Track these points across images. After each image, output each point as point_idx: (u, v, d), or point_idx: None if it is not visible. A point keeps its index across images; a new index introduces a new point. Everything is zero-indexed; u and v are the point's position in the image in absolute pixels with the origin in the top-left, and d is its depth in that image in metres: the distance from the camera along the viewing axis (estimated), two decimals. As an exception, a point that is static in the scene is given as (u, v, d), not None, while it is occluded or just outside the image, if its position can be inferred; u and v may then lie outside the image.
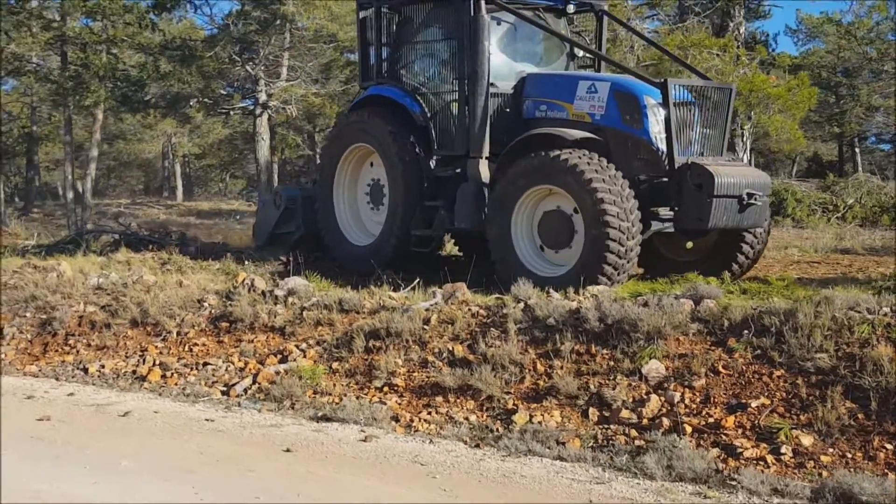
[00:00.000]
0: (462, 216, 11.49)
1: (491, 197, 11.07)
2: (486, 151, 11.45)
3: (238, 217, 27.89)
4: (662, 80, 10.73)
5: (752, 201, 10.31)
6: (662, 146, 10.55)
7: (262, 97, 27.50)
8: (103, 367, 9.96)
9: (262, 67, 27.53)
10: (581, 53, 13.02)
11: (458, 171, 11.76)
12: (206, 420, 7.78)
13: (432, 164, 12.15)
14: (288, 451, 6.87)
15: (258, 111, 27.67)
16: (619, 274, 9.96)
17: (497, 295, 10.09)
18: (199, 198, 54.24)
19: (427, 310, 9.42)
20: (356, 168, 13.14)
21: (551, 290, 9.51)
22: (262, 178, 27.87)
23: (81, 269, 12.63)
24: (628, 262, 10.04)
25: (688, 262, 11.22)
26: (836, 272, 12.16)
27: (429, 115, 12.17)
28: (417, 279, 11.51)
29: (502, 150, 11.26)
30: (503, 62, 12.03)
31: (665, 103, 10.38)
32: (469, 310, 9.33)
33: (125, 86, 22.16)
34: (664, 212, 10.53)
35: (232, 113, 29.66)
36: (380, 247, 12.45)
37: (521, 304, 9.13)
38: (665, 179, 10.55)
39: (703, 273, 10.46)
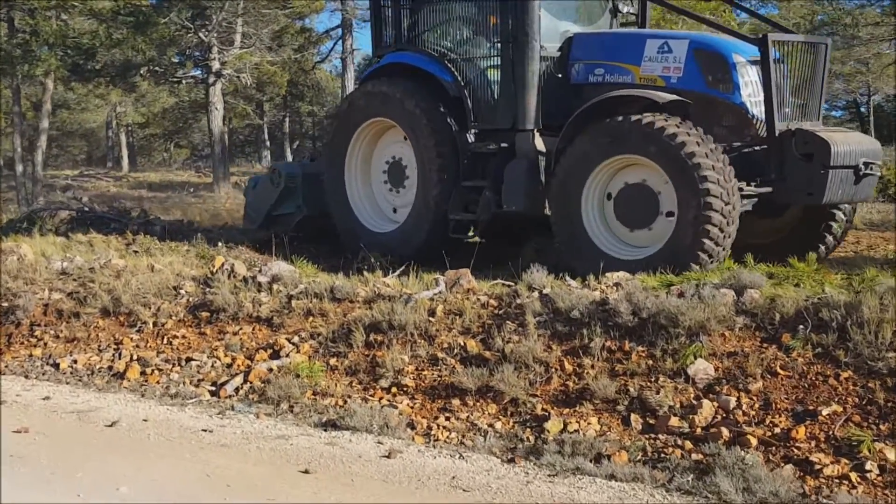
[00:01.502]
0: (512, 197, 10.37)
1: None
2: (538, 123, 10.38)
3: (192, 190, 26.78)
4: (761, 35, 9.65)
5: (869, 171, 9.40)
6: (756, 111, 9.59)
7: (216, 65, 26.37)
8: (75, 362, 9.05)
9: (216, 34, 26.39)
10: (625, 9, 11.90)
11: (503, 145, 10.68)
12: (204, 431, 6.91)
13: (469, 139, 11.08)
14: (306, 472, 6.02)
15: (211, 80, 26.54)
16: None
17: (502, 281, 9.33)
18: (143, 168, 52.91)
19: (431, 299, 8.61)
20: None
21: (567, 278, 8.74)
22: (216, 149, 26.75)
23: (43, 252, 11.60)
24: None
25: (762, 245, 9.97)
26: (846, 250, 11.54)
27: (462, 84, 11.06)
28: (407, 263, 10.73)
29: (549, 121, 10.29)
30: (546, 21, 10.74)
31: (764, 61, 9.35)
32: (478, 300, 8.54)
33: (75, 54, 20.87)
34: (749, 188, 9.43)
35: (184, 82, 28.42)
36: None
37: (536, 294, 8.36)
38: (757, 149, 9.61)
39: (779, 256, 9.37)
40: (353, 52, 31.79)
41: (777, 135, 9.34)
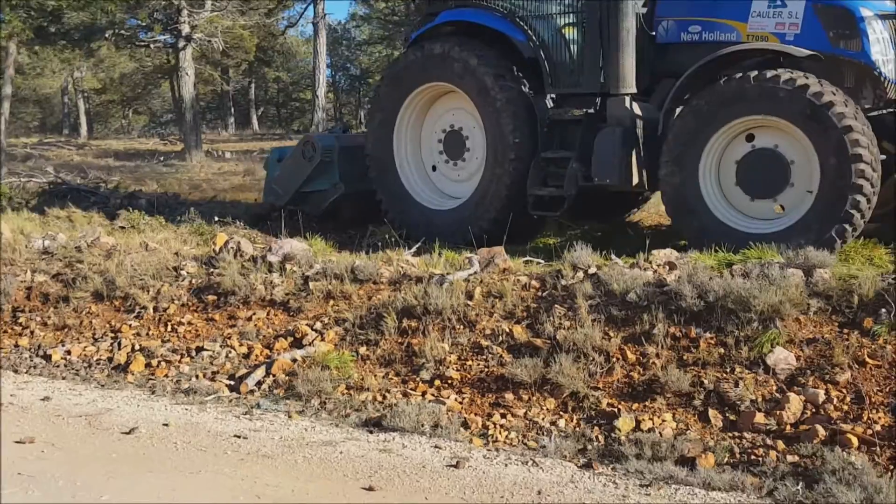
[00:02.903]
0: (605, 168, 9.39)
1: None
2: (633, 86, 9.45)
3: (162, 159, 25.73)
4: None
5: None
6: (887, 70, 8.73)
7: (186, 29, 25.27)
8: (69, 353, 8.25)
9: (185, -4, 25.27)
10: None
11: (590, 111, 9.83)
12: (236, 437, 6.16)
13: (547, 104, 10.18)
14: (370, 489, 5.28)
15: (181, 44, 25.43)
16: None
17: (536, 259, 8.68)
18: (101, 135, 51.49)
19: (466, 280, 7.92)
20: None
21: (614, 256, 8.08)
22: (188, 115, 25.69)
23: (21, 230, 10.74)
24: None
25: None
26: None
27: (537, 43, 10.13)
28: (423, 238, 10.03)
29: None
30: None
31: None
32: (518, 281, 7.86)
33: (40, 16, 19.75)
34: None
35: (152, 46, 27.28)
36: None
37: (582, 274, 7.70)
38: (886, 113, 8.82)
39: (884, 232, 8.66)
40: (325, 16, 30.74)
41: None
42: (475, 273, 8.03)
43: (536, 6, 10.33)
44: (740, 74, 8.62)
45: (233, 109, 46.38)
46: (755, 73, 8.54)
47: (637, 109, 9.37)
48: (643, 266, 7.67)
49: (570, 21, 10.11)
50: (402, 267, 8.55)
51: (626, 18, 9.30)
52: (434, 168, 11.08)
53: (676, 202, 9.10)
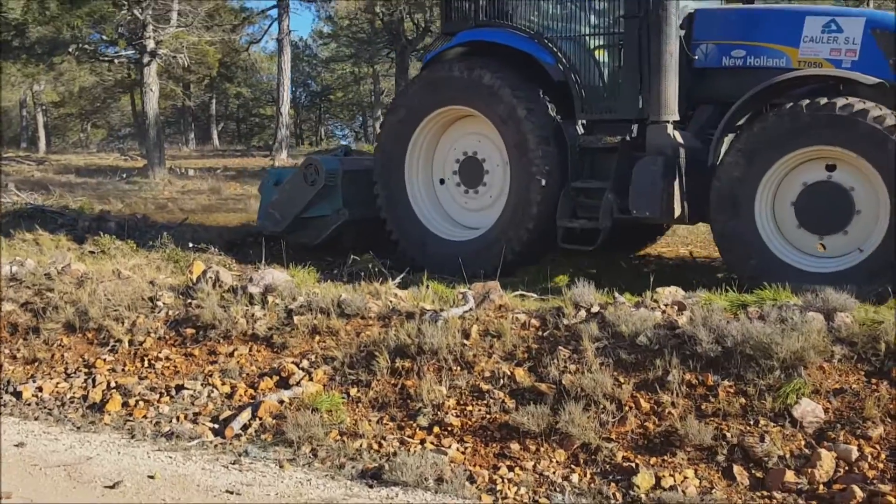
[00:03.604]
0: (643, 200, 8.91)
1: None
2: (675, 113, 8.96)
3: (124, 176, 25.12)
4: None
5: None
6: None
7: (151, 44, 24.70)
8: (40, 389, 7.74)
9: (150, 11, 24.69)
10: None
11: (627, 139, 9.37)
12: (228, 492, 5.68)
13: (578, 131, 9.75)
14: (382, 556, 4.86)
15: (146, 59, 24.85)
16: None
17: (533, 295, 8.31)
18: (58, 149, 50.66)
19: (461, 318, 7.50)
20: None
21: (616, 294, 7.70)
22: (151, 132, 25.10)
23: (-15, 254, 10.20)
24: None
25: None
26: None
27: (567, 66, 9.69)
28: (408, 269, 9.63)
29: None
30: None
31: None
32: (516, 319, 7.46)
33: (4, 30, 19.12)
34: None
35: (116, 61, 26.64)
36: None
37: (584, 313, 7.32)
38: None
39: None
40: (290, 33, 30.30)
41: None
42: (470, 310, 7.62)
43: (567, 27, 9.91)
44: (808, 102, 8.20)
45: (193, 125, 45.62)
46: (827, 101, 8.12)
47: (678, 138, 8.94)
48: (650, 306, 7.30)
49: (605, 43, 9.71)
50: (390, 301, 8.13)
51: (670, 41, 8.82)
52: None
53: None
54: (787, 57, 8.86)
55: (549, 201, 9.56)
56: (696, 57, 9.32)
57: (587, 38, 9.82)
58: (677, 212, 8.93)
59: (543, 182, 9.54)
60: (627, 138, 9.39)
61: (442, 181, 10.69)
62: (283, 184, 11.69)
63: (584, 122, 9.79)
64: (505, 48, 9.96)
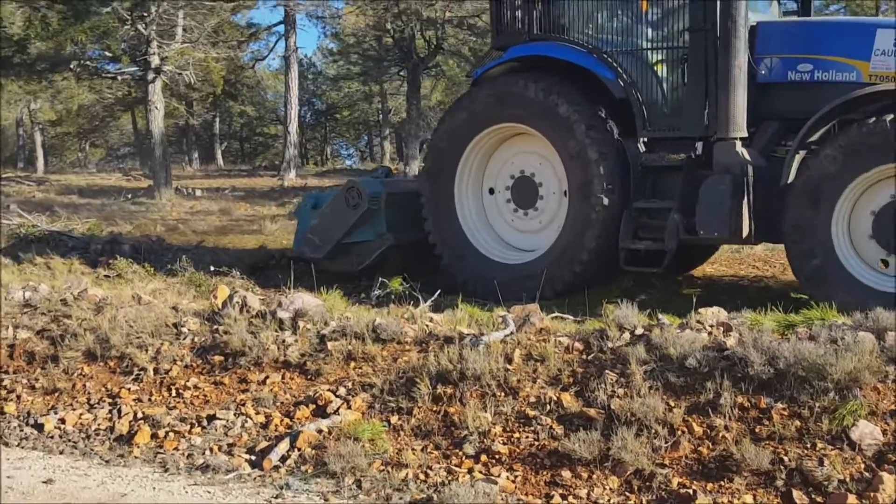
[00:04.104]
0: (712, 221, 8.70)
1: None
2: (744, 130, 8.73)
3: (129, 197, 24.93)
4: None
5: None
6: None
7: (155, 60, 24.55)
8: (63, 421, 7.52)
9: (155, 27, 24.54)
10: None
11: (692, 156, 9.15)
12: (277, 529, 5.50)
13: (640, 149, 9.50)
14: None
15: (150, 76, 24.69)
16: None
17: (565, 317, 8.14)
18: (56, 169, 50.43)
19: (503, 342, 7.33)
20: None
21: (660, 316, 7.52)
22: (157, 152, 24.92)
23: (-1, 280, 10.00)
24: None
25: None
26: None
27: (628, 81, 9.45)
28: (439, 291, 9.45)
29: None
30: None
31: None
32: (559, 342, 7.28)
33: (6, 45, 18.94)
34: None
35: (119, 78, 26.49)
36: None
37: (628, 335, 7.15)
38: None
39: None
40: (297, 50, 30.17)
41: None
42: (511, 333, 7.44)
43: (627, 40, 9.68)
44: (892, 117, 8.01)
45: (196, 144, 45.47)
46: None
47: (747, 155, 8.72)
48: (695, 327, 7.12)
49: (667, 57, 9.47)
50: (426, 325, 7.95)
51: (739, 55, 8.59)
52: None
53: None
54: (858, 71, 8.63)
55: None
56: (761, 72, 9.11)
57: (648, 52, 9.60)
58: (745, 232, 8.70)
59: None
60: (692, 156, 9.16)
61: (491, 190, 10.49)
62: (322, 208, 11.38)
63: (645, 139, 9.56)
64: (559, 62, 9.73)
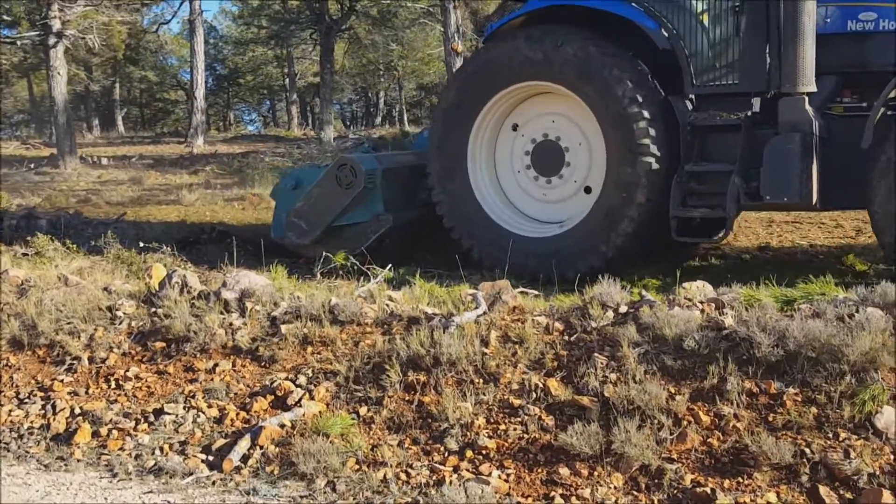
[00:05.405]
0: (780, 185, 8.02)
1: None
2: (813, 84, 8.05)
3: (32, 166, 23.61)
4: None
5: None
6: None
7: (57, 24, 23.21)
8: (-9, 419, 6.73)
9: (55, -11, 23.19)
10: None
11: (750, 114, 8.39)
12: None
13: (687, 107, 8.71)
14: None
15: (52, 41, 23.35)
16: None
17: (529, 291, 7.60)
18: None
19: (476, 323, 6.74)
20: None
21: (644, 293, 7.01)
22: (61, 119, 23.63)
23: None
24: None
25: None
26: (842, 234, 10.30)
27: (674, 32, 8.63)
28: (389, 266, 8.83)
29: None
30: None
31: None
32: (536, 322, 6.72)
33: None
34: None
35: (19, 43, 25.05)
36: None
37: (611, 314, 6.63)
38: None
39: None
40: (201, 13, 28.96)
41: None
42: (483, 314, 6.86)
43: None
44: None
45: (95, 111, 43.75)
46: None
47: (813, 112, 8.09)
48: (684, 304, 6.63)
49: (718, 5, 8.69)
50: (387, 304, 7.33)
51: (808, 1, 7.91)
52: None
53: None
54: None
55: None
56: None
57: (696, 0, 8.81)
58: (815, 197, 8.10)
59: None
60: (749, 114, 8.49)
61: (516, 126, 9.67)
62: (308, 188, 10.42)
63: (692, 97, 8.84)
64: (587, 13, 8.95)
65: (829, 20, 8.40)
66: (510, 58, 9.12)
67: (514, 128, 9.69)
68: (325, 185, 10.23)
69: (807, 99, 8.13)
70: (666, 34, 8.73)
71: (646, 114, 8.58)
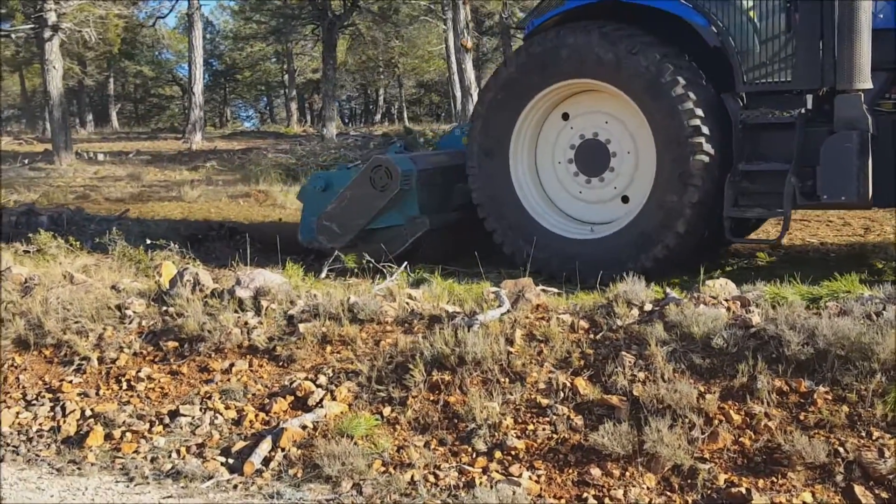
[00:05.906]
0: (838, 184, 7.84)
1: None
2: (869, 81, 7.87)
3: (26, 162, 23.42)
4: None
5: None
6: None
7: (52, 18, 23.01)
8: (-2, 422, 6.59)
9: (51, -18, 22.97)
10: None
11: (803, 112, 8.25)
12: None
13: (738, 104, 8.53)
14: None
15: (47, 34, 23.13)
16: None
17: (549, 289, 7.50)
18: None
19: (500, 321, 6.64)
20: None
21: (668, 290, 6.91)
22: (56, 114, 23.43)
23: None
24: None
25: None
26: (850, 232, 10.20)
27: (724, 28, 8.47)
28: (405, 264, 8.72)
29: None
30: None
31: None
32: (561, 320, 6.61)
33: None
34: None
35: (14, 36, 24.82)
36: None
37: (637, 312, 6.53)
38: None
39: None
40: (199, 8, 28.75)
41: None
42: (507, 312, 6.75)
43: None
44: None
45: (89, 106, 43.48)
46: None
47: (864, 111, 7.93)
48: (709, 302, 6.53)
49: (769, 2, 8.53)
50: (406, 303, 7.22)
51: None
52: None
53: None
54: None
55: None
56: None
57: None
58: (870, 195, 7.94)
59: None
60: (803, 111, 8.34)
61: (566, 116, 9.50)
62: (340, 191, 10.14)
63: (743, 94, 8.68)
64: (632, 9, 8.78)
65: (881, 16, 8.22)
66: (581, 51, 8.89)
67: (565, 117, 9.50)
68: (358, 188, 9.97)
69: (862, 96, 7.98)
70: (715, 30, 8.58)
71: (707, 147, 8.41)
